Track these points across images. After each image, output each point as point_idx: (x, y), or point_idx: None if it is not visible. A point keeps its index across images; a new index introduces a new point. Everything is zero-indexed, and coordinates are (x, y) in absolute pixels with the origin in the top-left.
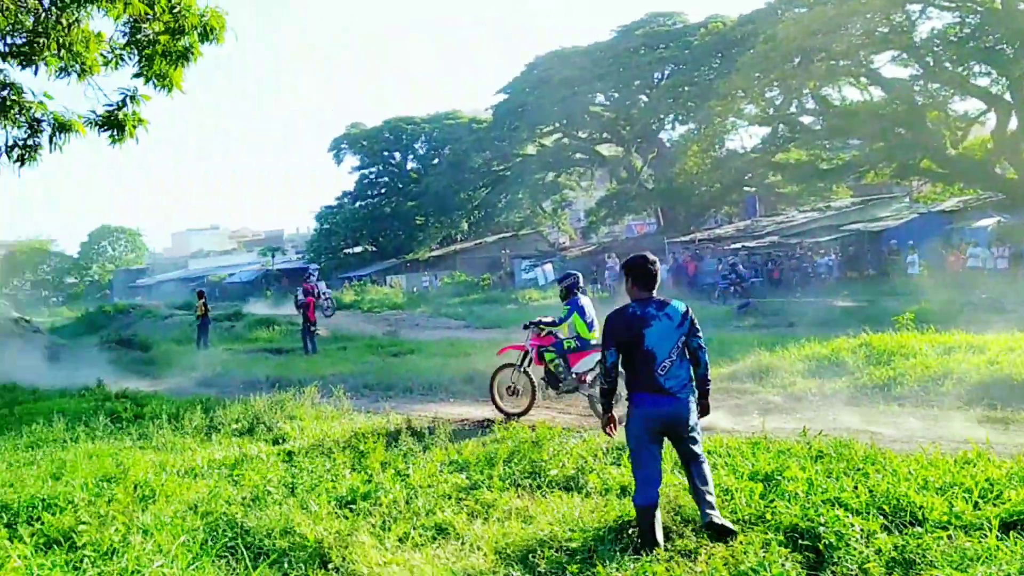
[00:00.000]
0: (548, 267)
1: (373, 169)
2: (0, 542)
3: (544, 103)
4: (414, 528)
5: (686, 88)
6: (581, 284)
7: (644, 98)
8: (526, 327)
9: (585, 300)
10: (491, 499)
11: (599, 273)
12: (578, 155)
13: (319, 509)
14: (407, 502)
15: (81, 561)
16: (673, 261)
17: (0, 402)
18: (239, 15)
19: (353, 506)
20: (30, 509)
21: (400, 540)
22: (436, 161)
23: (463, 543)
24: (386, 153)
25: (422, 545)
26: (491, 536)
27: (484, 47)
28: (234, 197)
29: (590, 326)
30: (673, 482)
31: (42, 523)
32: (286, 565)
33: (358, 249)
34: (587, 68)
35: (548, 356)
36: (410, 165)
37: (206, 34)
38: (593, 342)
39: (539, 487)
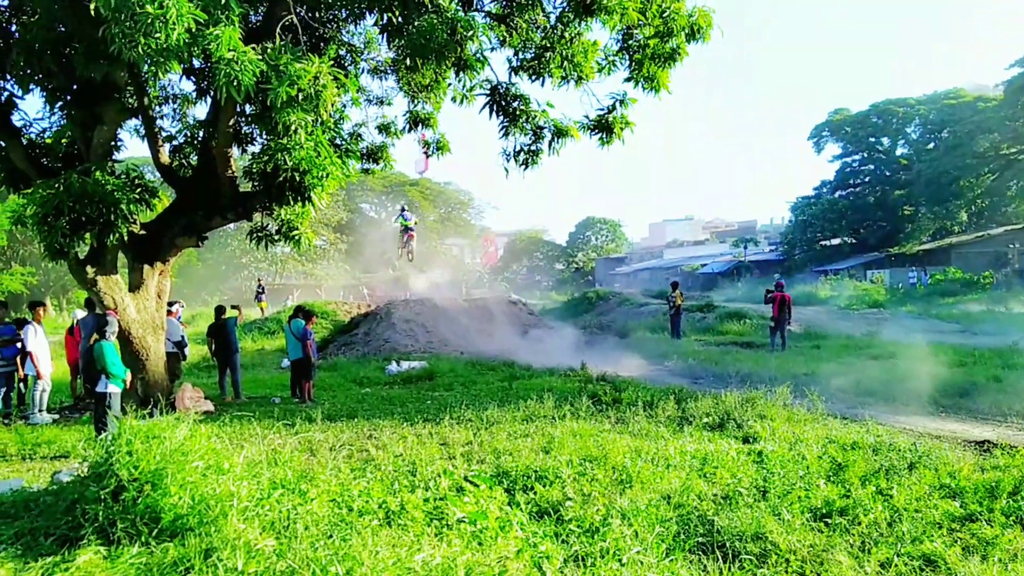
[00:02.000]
0: None
1: (856, 156)
2: (503, 507)
3: None
4: (898, 555)
5: None
6: None
7: None
8: None
9: None
10: (991, 535)
11: None
12: None
13: (792, 518)
14: (889, 524)
15: (568, 535)
16: None
17: (500, 376)
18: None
19: (828, 520)
20: (525, 479)
21: (882, 566)
22: (931, 146)
23: None
24: (872, 139)
25: (907, 575)
26: None
27: (995, 16)
28: (708, 188)
29: None
30: None
31: (535, 493)
32: (758, 573)
33: (836, 241)
34: None
35: None
36: (900, 151)
37: (693, 34)
38: None
39: None
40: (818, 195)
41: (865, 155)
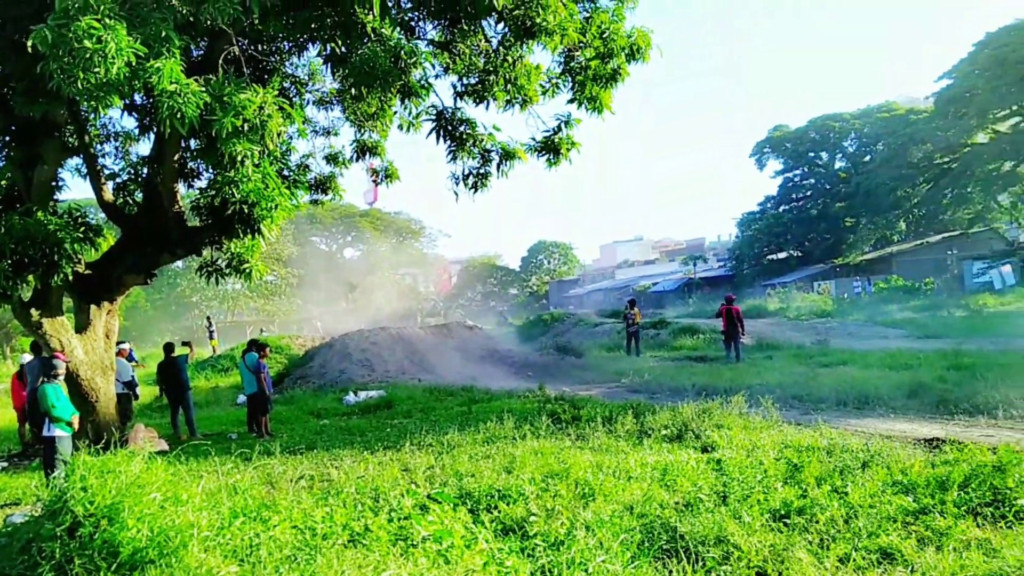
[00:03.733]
0: (1007, 268)
1: (798, 171)
2: (467, 525)
3: (999, 84)
4: (855, 550)
5: None
6: None
7: None
8: None
9: None
10: (944, 526)
11: None
12: None
13: (752, 520)
14: (846, 521)
15: (534, 549)
16: None
17: (460, 401)
18: (659, 29)
19: (787, 520)
20: (488, 498)
21: (841, 561)
22: (868, 158)
23: (913, 571)
24: (811, 154)
25: (866, 569)
26: (947, 567)
27: (921, 31)
28: (657, 208)
29: None
30: None
31: (499, 511)
32: (720, 573)
33: (782, 255)
34: None
35: None
36: (838, 164)
37: (633, 54)
38: None
39: (1003, 517)
40: (763, 210)
41: (806, 170)
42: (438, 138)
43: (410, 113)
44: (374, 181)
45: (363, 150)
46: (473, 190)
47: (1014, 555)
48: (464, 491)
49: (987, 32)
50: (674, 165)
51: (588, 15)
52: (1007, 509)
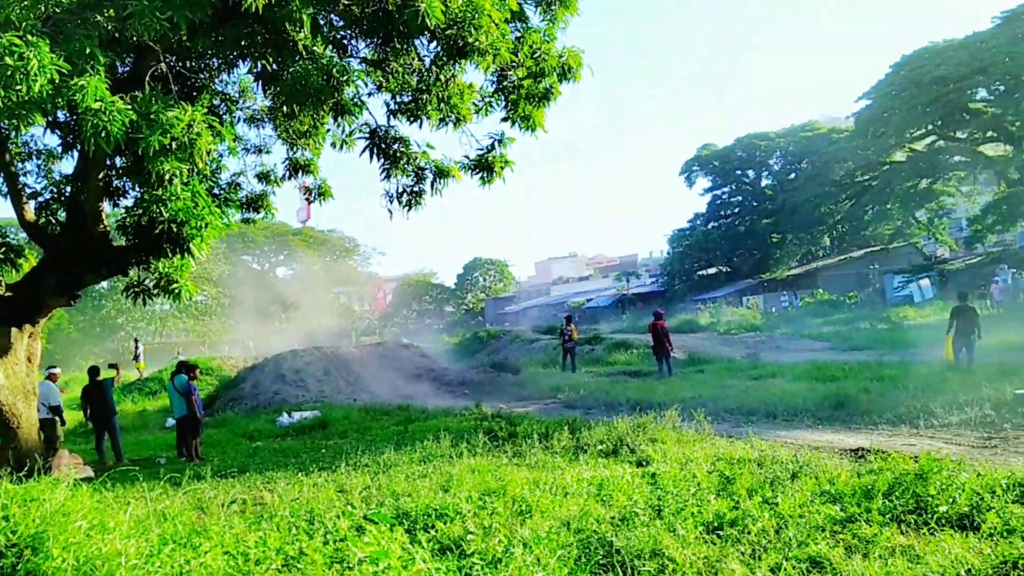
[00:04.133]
0: (925, 282)
1: (726, 189)
2: (404, 546)
3: (914, 104)
4: (786, 559)
5: None
6: None
7: None
8: None
9: None
10: (870, 534)
11: (986, 287)
12: (956, 158)
13: (686, 533)
14: (777, 531)
15: (471, 568)
16: None
17: (396, 420)
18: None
19: (720, 532)
20: (425, 517)
21: (772, 571)
22: (793, 176)
23: None
24: (739, 172)
25: None
26: (873, 574)
27: (842, 53)
28: (591, 225)
29: None
30: None
31: (436, 531)
32: None
33: (712, 270)
34: (965, 62)
35: None
36: (764, 182)
37: (564, 74)
38: None
39: (925, 524)
40: (693, 227)
41: (733, 187)
42: (371, 156)
43: (343, 131)
44: (307, 199)
45: (296, 168)
46: (407, 208)
47: (936, 561)
48: (401, 511)
49: (903, 55)
50: (607, 182)
51: (520, 35)
52: (929, 516)
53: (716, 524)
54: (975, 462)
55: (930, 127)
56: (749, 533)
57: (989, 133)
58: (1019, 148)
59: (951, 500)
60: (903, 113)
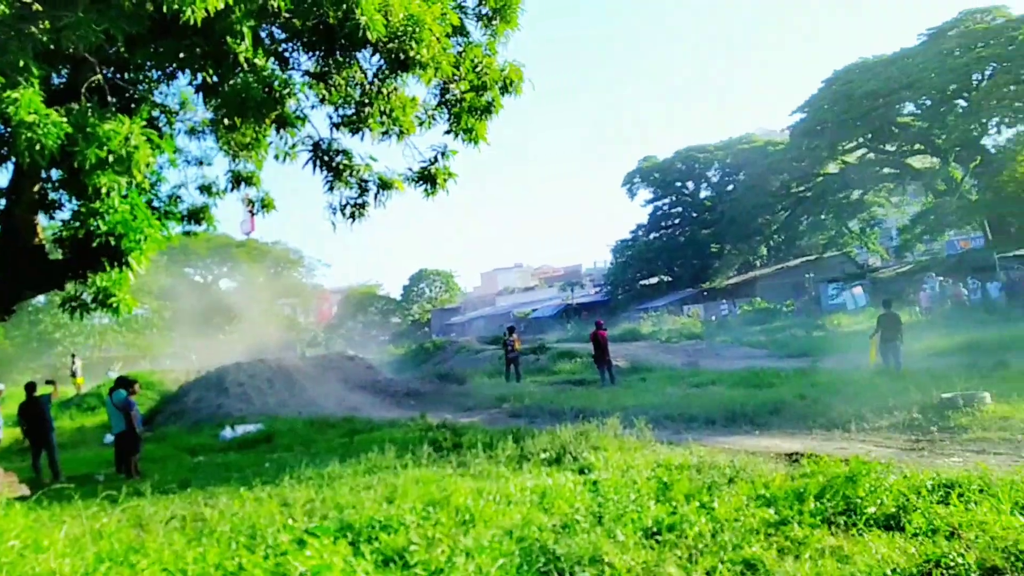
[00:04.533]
0: (858, 290)
1: (666, 200)
2: (347, 558)
3: (846, 118)
4: (721, 562)
5: (1012, 87)
6: None
7: (962, 103)
8: None
9: None
10: (802, 536)
11: (914, 295)
12: (886, 170)
13: (626, 538)
14: (713, 535)
15: None
16: (1006, 278)
17: (341, 432)
18: (530, 61)
19: (659, 537)
20: (369, 529)
21: (708, 574)
22: (731, 188)
23: None
24: (679, 183)
25: None
26: (804, 575)
27: (776, 68)
28: (536, 236)
29: None
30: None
31: (379, 542)
32: None
33: (654, 280)
34: (893, 77)
35: None
36: (704, 194)
37: (506, 87)
38: None
39: (854, 525)
40: (635, 238)
41: (674, 198)
42: (314, 168)
43: (286, 143)
44: (250, 211)
45: (238, 180)
46: (351, 220)
47: (864, 561)
48: (345, 523)
49: (835, 70)
50: (553, 193)
51: (462, 49)
52: (858, 517)
53: (655, 529)
54: (903, 464)
55: (861, 140)
56: (686, 537)
57: (916, 146)
58: (945, 160)
59: (879, 502)
60: (835, 127)
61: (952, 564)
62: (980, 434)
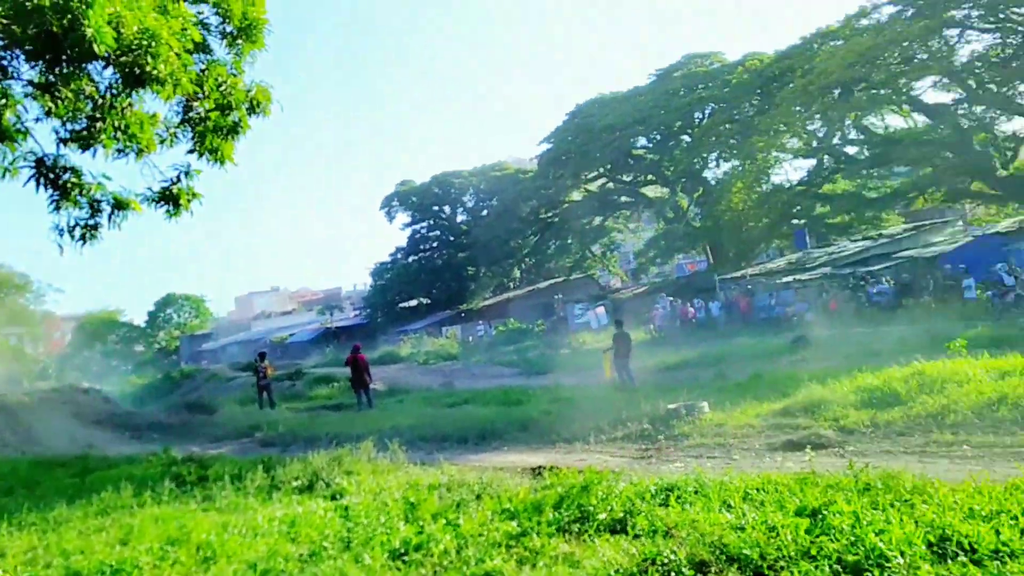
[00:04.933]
0: (600, 310)
1: (424, 224)
2: None
3: (587, 149)
4: None
5: (727, 126)
6: None
7: (686, 138)
8: None
9: None
10: (539, 545)
11: (649, 314)
12: (624, 198)
13: (372, 562)
14: (458, 551)
15: None
16: (725, 298)
17: (72, 471)
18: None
19: (406, 557)
20: (99, 575)
21: None
22: (485, 213)
23: None
24: (436, 208)
25: None
26: None
27: (526, 99)
28: (294, 259)
29: None
30: (719, 520)
31: None
32: None
33: (413, 303)
34: (628, 113)
35: None
36: (460, 218)
37: (253, 108)
38: None
39: (586, 531)
40: (394, 260)
41: (431, 222)
42: (38, 186)
43: (5, 158)
44: None
45: None
46: (81, 242)
47: (592, 564)
48: (71, 570)
49: (577, 104)
50: (311, 216)
51: (205, 67)
52: (590, 524)
53: (402, 550)
54: (632, 471)
55: (601, 170)
56: (432, 556)
57: (649, 176)
58: (673, 190)
59: (609, 508)
60: (578, 157)
61: (666, 561)
62: (699, 440)
